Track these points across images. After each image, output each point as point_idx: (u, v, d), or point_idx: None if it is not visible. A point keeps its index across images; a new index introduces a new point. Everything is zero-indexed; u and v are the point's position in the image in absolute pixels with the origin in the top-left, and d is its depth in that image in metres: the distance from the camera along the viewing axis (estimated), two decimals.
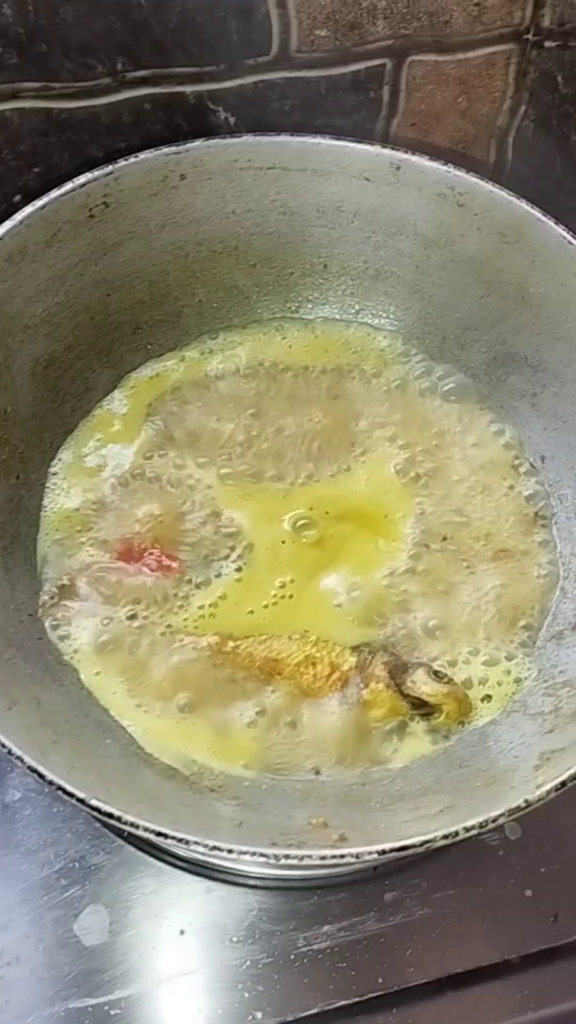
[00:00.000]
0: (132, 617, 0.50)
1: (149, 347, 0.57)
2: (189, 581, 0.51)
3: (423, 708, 0.49)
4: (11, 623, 0.46)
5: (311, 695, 0.48)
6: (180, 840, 0.36)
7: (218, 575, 0.51)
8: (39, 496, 0.52)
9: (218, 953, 0.47)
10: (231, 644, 0.49)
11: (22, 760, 0.37)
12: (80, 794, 0.37)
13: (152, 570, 0.51)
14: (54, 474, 0.52)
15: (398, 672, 0.49)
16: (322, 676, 0.49)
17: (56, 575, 0.50)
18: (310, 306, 0.59)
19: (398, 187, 0.54)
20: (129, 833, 0.36)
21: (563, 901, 0.49)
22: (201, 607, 0.50)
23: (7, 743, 0.37)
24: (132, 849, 0.47)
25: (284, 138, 0.53)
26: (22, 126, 0.56)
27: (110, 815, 0.36)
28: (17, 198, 0.60)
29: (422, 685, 0.49)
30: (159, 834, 0.36)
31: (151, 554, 0.51)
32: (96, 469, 0.53)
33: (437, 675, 0.49)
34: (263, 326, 0.59)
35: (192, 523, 0.52)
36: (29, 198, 0.60)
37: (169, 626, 0.49)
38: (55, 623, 0.49)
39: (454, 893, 0.49)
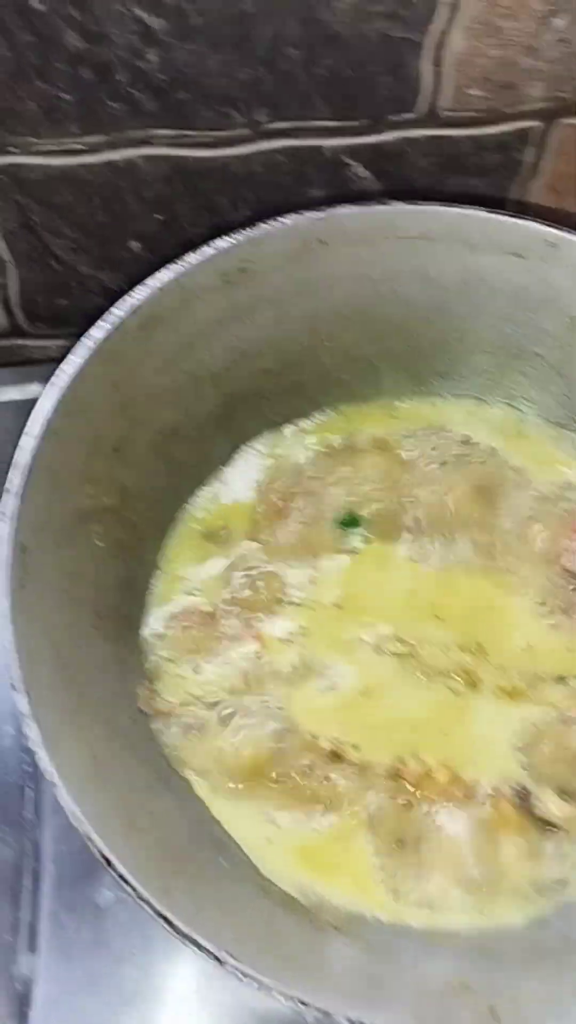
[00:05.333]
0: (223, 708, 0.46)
1: (270, 416, 0.53)
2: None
3: (551, 831, 0.45)
4: (124, 718, 0.43)
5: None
6: (322, 1012, 0.32)
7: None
8: (150, 576, 0.48)
9: None
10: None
11: (149, 904, 0.34)
12: (212, 948, 0.33)
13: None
14: (166, 554, 0.49)
15: (525, 791, 0.46)
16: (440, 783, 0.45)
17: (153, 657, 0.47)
18: (439, 380, 0.55)
19: (551, 264, 0.50)
20: None
21: None
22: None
23: (133, 883, 0.34)
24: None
25: (436, 208, 0.49)
26: (150, 173, 0.53)
27: (246, 975, 0.33)
28: (135, 244, 0.57)
29: (551, 804, 0.45)
30: (302, 1003, 0.32)
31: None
32: (213, 548, 0.50)
33: (567, 794, 0.45)
34: (387, 398, 0.55)
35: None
36: (147, 244, 0.57)
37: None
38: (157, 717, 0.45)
39: None
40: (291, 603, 0.48)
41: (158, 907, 0.34)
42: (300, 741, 0.45)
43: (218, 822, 0.43)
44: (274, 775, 0.44)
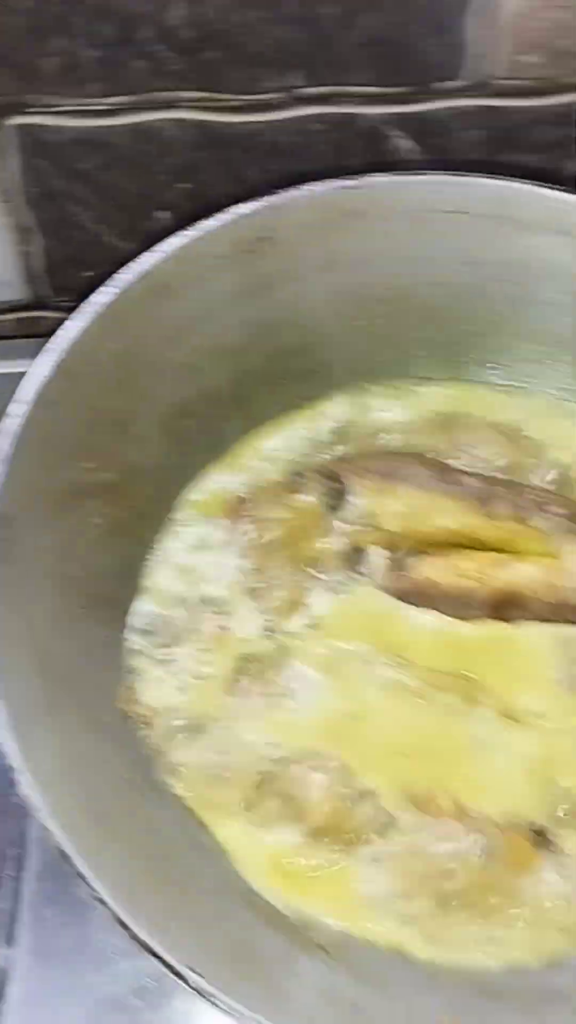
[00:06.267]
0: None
1: (287, 397, 0.50)
2: None
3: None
4: (108, 712, 0.40)
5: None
6: None
7: None
8: (147, 559, 0.46)
9: None
10: None
11: (107, 905, 0.31)
12: (173, 962, 0.31)
13: None
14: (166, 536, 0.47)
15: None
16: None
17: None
18: (475, 368, 0.51)
19: None
20: None
21: None
22: None
23: (101, 893, 0.31)
24: None
25: (482, 180, 0.45)
26: (175, 138, 0.51)
27: (207, 993, 0.30)
28: (161, 215, 0.55)
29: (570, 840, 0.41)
30: None
31: None
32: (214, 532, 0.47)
33: None
34: (418, 383, 0.52)
35: None
36: (175, 215, 0.55)
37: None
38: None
39: None
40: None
41: (117, 911, 0.31)
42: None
43: (207, 828, 0.40)
44: (264, 794, 0.41)
